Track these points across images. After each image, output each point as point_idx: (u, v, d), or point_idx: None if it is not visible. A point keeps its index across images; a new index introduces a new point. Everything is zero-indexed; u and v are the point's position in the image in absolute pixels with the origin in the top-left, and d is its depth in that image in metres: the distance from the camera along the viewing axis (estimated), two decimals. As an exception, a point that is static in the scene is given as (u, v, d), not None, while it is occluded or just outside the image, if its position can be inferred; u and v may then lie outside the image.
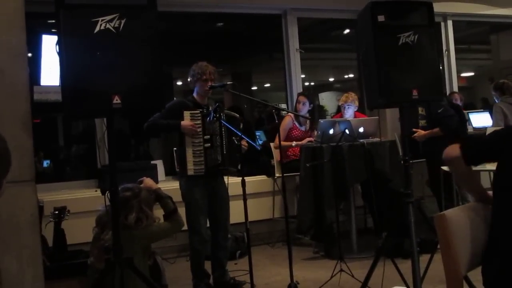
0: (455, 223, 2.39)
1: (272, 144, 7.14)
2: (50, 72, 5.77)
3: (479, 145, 2.82)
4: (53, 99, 5.57)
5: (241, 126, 5.09)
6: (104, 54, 3.13)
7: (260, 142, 7.71)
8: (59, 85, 3.35)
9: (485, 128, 7.95)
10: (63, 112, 3.20)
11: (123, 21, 3.14)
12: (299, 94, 7.26)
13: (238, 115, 5.17)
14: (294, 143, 6.91)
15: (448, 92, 8.73)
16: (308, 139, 6.92)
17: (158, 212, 4.09)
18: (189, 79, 5.18)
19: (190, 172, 4.89)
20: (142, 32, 3.22)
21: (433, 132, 6.73)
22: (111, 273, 3.33)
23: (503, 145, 2.64)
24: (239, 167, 4.96)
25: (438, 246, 2.51)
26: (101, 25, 3.11)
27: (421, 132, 6.83)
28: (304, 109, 6.96)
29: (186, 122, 4.90)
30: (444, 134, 6.62)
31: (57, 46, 3.13)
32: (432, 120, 6.75)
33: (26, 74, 3.27)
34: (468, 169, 2.73)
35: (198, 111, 4.96)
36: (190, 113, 4.95)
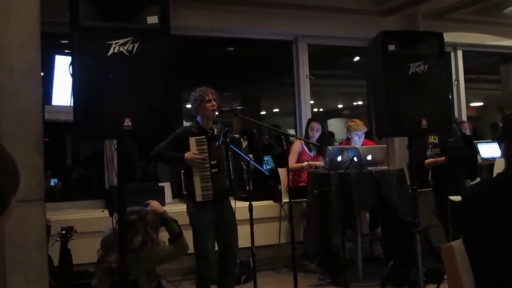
0: (463, 254, 2.38)
1: (283, 169, 7.11)
2: (62, 92, 5.82)
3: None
4: (63, 119, 5.61)
5: (244, 146, 5.08)
6: (116, 77, 3.16)
7: (268, 167, 7.71)
8: (70, 105, 3.38)
9: (493, 159, 7.94)
10: (73, 132, 3.22)
11: (136, 45, 3.17)
12: (311, 120, 7.26)
13: (238, 135, 5.18)
14: (305, 163, 6.91)
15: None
16: (319, 163, 6.92)
17: (164, 235, 4.10)
18: (191, 106, 5.18)
19: (199, 199, 4.86)
20: (154, 55, 3.25)
21: (437, 161, 6.73)
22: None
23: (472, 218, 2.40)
24: (248, 188, 4.94)
25: (445, 277, 2.50)
26: (114, 48, 3.14)
27: (427, 161, 6.81)
28: (317, 135, 6.98)
29: (190, 154, 4.88)
30: (448, 164, 6.61)
31: (70, 67, 3.16)
32: (443, 149, 6.73)
33: (39, 95, 3.31)
34: None
35: (204, 137, 4.96)
36: (196, 139, 4.93)
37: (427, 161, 6.79)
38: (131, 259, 3.49)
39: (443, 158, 6.69)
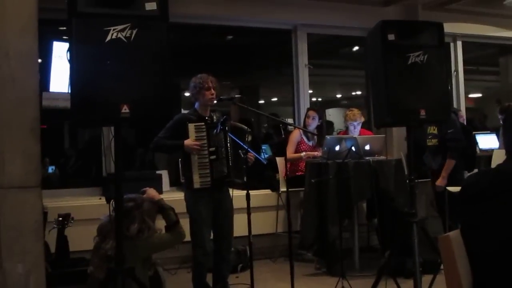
0: (460, 245, 2.38)
1: (281, 158, 7.09)
2: (59, 79, 5.79)
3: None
4: (61, 106, 5.57)
5: (249, 139, 5.08)
6: (114, 63, 3.14)
7: (266, 156, 7.69)
8: (68, 92, 3.36)
9: (491, 150, 7.93)
10: (71, 119, 3.21)
11: (134, 31, 3.16)
12: (309, 109, 7.25)
13: (245, 127, 5.16)
14: (303, 154, 6.89)
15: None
16: (317, 153, 6.90)
17: (160, 223, 4.09)
18: (190, 93, 5.18)
19: (197, 185, 4.87)
20: (153, 42, 3.23)
21: (448, 168, 6.59)
22: (111, 283, 3.33)
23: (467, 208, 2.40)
24: (244, 179, 4.94)
25: (441, 267, 2.49)
26: (112, 34, 3.12)
27: (441, 180, 6.61)
28: (314, 123, 6.96)
29: (189, 141, 4.88)
30: (455, 159, 6.53)
31: (68, 54, 3.15)
32: (443, 140, 6.67)
33: (36, 81, 3.29)
34: None
35: (203, 124, 4.96)
36: (195, 125, 4.93)
37: (441, 181, 6.60)
38: (127, 247, 3.49)
39: (452, 162, 6.54)
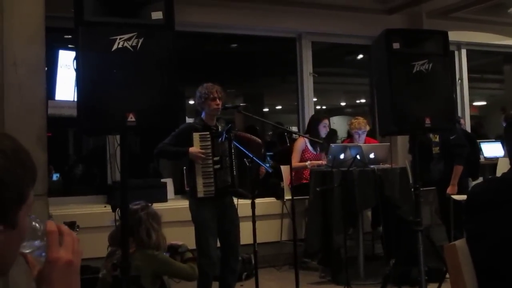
0: (466, 254, 2.37)
1: (286, 166, 7.09)
2: (65, 87, 5.81)
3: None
4: (67, 114, 5.59)
5: (262, 152, 5.08)
6: (120, 72, 3.16)
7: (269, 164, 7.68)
8: (74, 100, 3.37)
9: (496, 158, 7.92)
10: (77, 127, 3.22)
11: (140, 40, 3.17)
12: (323, 117, 7.18)
13: (259, 140, 5.16)
14: (308, 163, 6.89)
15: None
16: (322, 161, 6.90)
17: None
18: (196, 102, 5.19)
19: (200, 194, 4.86)
20: (159, 51, 3.24)
21: (457, 175, 6.62)
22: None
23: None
24: (256, 192, 4.91)
25: (446, 276, 2.49)
26: (119, 43, 3.13)
27: (452, 188, 6.60)
28: (325, 131, 6.97)
29: (194, 148, 4.88)
30: (463, 165, 6.53)
31: (75, 62, 3.16)
32: (445, 147, 6.68)
33: (43, 90, 3.31)
34: None
35: (208, 133, 4.96)
36: (200, 135, 4.92)
37: (452, 189, 6.59)
38: (140, 256, 3.56)
39: (459, 168, 6.55)
